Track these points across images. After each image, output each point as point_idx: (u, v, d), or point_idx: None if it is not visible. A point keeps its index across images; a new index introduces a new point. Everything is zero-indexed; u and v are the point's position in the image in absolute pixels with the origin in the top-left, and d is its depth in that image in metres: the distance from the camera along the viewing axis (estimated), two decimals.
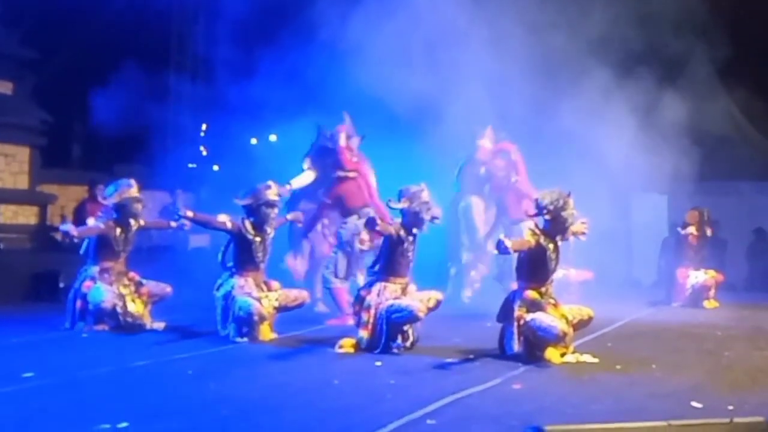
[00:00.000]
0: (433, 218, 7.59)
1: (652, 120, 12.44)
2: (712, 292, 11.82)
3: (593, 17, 12.24)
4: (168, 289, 8.51)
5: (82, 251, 8.54)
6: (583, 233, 7.38)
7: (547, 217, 7.06)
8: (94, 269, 8.33)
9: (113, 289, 8.19)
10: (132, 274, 8.45)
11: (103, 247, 8.38)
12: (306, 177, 9.90)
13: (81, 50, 16.51)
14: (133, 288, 8.34)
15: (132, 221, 8.49)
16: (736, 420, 2.41)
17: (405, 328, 7.30)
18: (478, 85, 11.79)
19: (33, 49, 13.23)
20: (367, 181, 9.34)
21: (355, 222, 9.06)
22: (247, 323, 7.61)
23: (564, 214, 7.04)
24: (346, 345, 7.24)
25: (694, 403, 5.34)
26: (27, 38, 13.27)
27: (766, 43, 15.74)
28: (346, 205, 9.25)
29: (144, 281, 8.44)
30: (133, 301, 8.26)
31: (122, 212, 8.45)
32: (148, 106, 13.65)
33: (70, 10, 14.96)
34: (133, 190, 8.53)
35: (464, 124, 11.43)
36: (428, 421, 4.79)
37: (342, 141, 9.42)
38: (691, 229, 11.77)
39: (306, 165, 10.02)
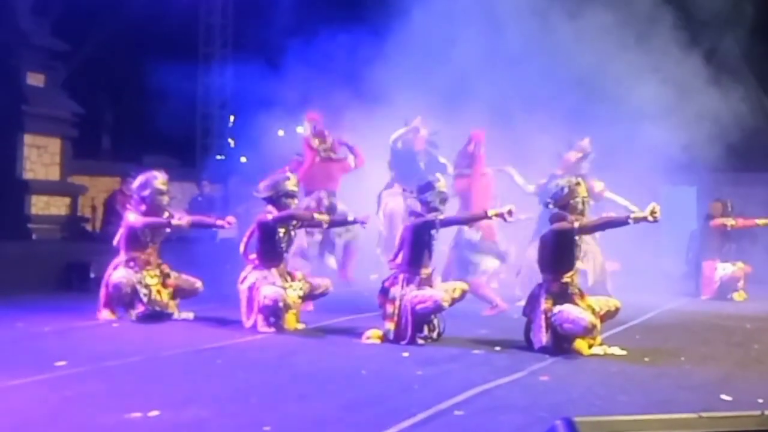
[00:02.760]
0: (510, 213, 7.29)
1: (681, 111, 12.34)
2: (741, 284, 11.74)
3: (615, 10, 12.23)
4: (198, 284, 8.47)
5: (115, 242, 8.61)
6: (655, 217, 6.83)
7: (556, 207, 7.10)
8: (122, 257, 8.43)
9: (136, 274, 8.26)
10: (164, 265, 8.51)
11: (131, 237, 8.44)
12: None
13: (111, 42, 16.68)
14: (160, 279, 8.39)
15: (158, 213, 8.51)
16: (767, 413, 2.39)
17: (431, 318, 7.32)
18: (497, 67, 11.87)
19: (64, 41, 13.33)
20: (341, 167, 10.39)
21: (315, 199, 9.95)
22: (273, 312, 7.64)
23: (573, 201, 7.07)
24: (373, 336, 7.27)
25: (723, 396, 5.33)
26: (58, 30, 13.37)
27: None
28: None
29: (173, 274, 8.47)
30: (158, 292, 8.31)
31: (148, 204, 8.50)
32: (177, 98, 13.73)
33: (100, 2, 15.09)
34: (159, 182, 8.56)
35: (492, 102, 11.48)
36: (456, 412, 4.81)
37: (306, 131, 10.39)
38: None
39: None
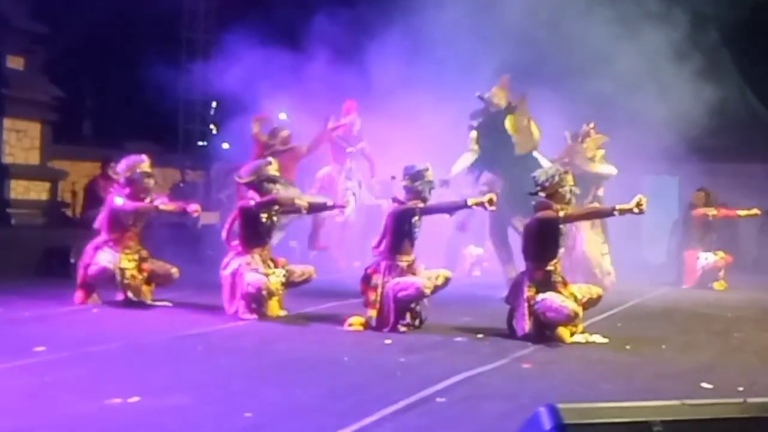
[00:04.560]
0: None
1: (664, 101, 12.37)
2: (721, 274, 11.81)
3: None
4: (173, 270, 8.39)
5: (96, 224, 8.55)
6: (641, 209, 6.77)
7: (544, 194, 7.08)
8: (102, 238, 8.39)
9: (114, 255, 8.22)
10: (144, 251, 8.45)
11: (113, 220, 8.38)
12: (464, 160, 9.78)
13: (92, 26, 16.49)
14: (137, 263, 8.33)
15: (143, 196, 8.47)
16: (750, 400, 2.40)
17: (413, 305, 7.31)
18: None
19: (44, 24, 13.20)
20: None
21: None
22: (255, 299, 7.61)
23: (562, 190, 7.06)
24: (355, 323, 7.26)
25: (704, 384, 5.35)
26: (37, 13, 13.23)
27: None
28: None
29: (150, 260, 8.43)
30: (133, 276, 8.26)
31: (133, 187, 8.45)
32: (160, 84, 13.63)
33: None
34: (145, 165, 8.52)
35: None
36: (438, 399, 4.80)
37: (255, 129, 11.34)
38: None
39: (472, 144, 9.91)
